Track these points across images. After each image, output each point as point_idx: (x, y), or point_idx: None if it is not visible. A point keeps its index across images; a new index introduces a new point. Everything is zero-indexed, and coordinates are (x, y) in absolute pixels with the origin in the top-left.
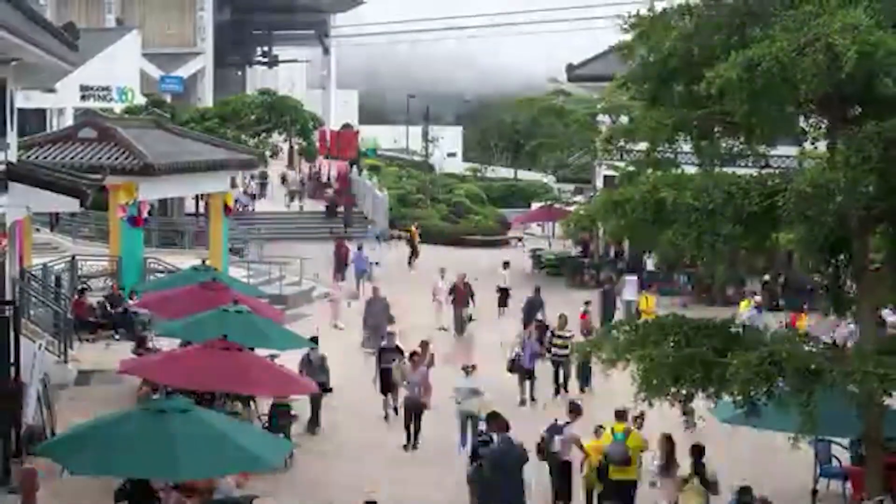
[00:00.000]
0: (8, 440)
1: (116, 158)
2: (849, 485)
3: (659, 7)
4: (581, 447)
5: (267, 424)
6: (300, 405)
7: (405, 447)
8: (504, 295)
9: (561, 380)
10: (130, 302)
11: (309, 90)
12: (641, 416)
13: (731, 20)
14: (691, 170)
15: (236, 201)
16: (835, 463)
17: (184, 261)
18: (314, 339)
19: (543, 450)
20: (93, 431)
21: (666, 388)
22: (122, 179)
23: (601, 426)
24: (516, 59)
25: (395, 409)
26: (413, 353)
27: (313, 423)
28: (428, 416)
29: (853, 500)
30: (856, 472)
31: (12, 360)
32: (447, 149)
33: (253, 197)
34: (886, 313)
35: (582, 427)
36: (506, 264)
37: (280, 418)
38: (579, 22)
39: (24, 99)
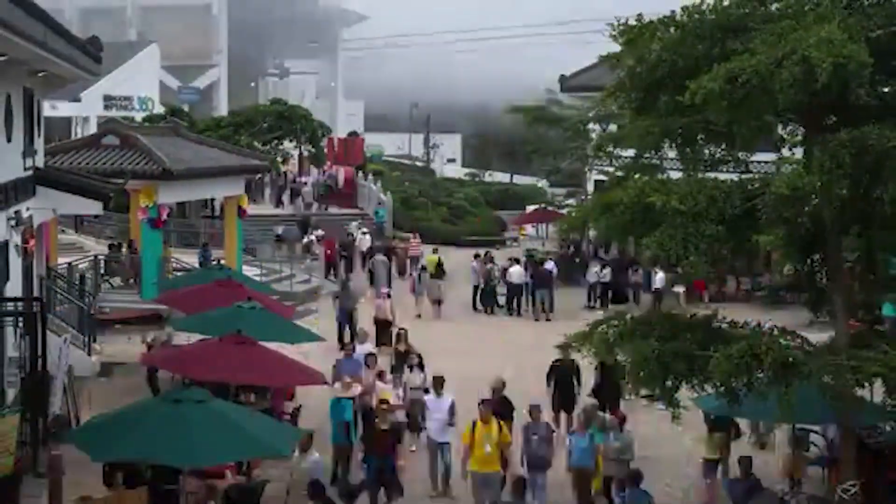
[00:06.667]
0: (36, 428)
1: (137, 164)
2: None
3: (646, 18)
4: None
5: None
6: None
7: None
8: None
9: None
10: None
11: (318, 100)
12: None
13: (713, 33)
14: (676, 175)
15: None
16: (813, 450)
17: None
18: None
19: None
20: (114, 420)
21: (653, 381)
22: (143, 184)
23: None
24: (515, 69)
25: None
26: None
27: None
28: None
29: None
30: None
31: (40, 353)
32: (447, 155)
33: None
34: None
35: None
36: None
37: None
38: (575, 35)
39: (51, 108)
